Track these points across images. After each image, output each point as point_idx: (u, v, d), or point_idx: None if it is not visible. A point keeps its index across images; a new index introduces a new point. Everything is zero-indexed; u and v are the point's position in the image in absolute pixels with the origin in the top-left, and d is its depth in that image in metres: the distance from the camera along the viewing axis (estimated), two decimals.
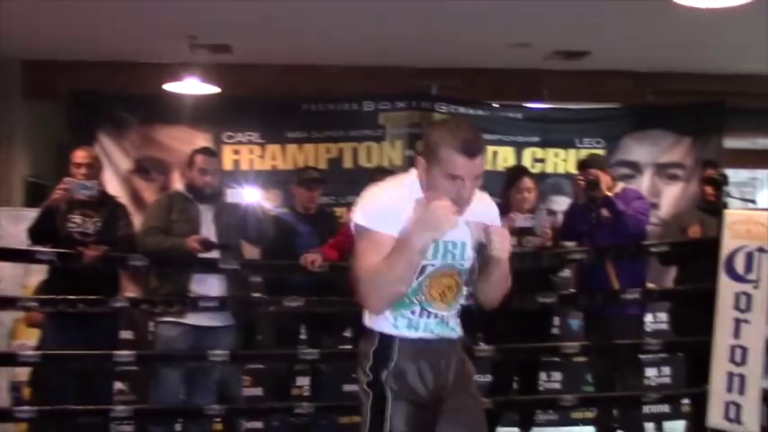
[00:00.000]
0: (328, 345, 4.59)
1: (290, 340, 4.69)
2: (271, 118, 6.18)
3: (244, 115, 6.17)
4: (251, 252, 4.71)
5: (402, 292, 2.16)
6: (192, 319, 4.21)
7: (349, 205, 5.95)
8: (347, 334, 4.71)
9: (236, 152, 6.21)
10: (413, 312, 2.25)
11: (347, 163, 6.20)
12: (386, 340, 2.25)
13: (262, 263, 4.65)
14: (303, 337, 4.78)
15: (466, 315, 4.76)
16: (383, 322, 2.26)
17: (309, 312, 4.41)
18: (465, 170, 2.12)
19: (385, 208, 2.18)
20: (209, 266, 4.22)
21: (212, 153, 4.59)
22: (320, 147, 6.21)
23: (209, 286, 4.22)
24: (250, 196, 4.63)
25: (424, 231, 2.07)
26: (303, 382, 5.01)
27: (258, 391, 5.28)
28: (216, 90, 5.95)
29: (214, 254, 4.22)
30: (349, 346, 4.52)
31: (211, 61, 5.85)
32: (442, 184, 2.14)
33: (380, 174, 4.70)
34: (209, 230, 4.26)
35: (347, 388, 4.97)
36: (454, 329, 2.34)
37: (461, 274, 2.30)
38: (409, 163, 5.61)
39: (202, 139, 5.98)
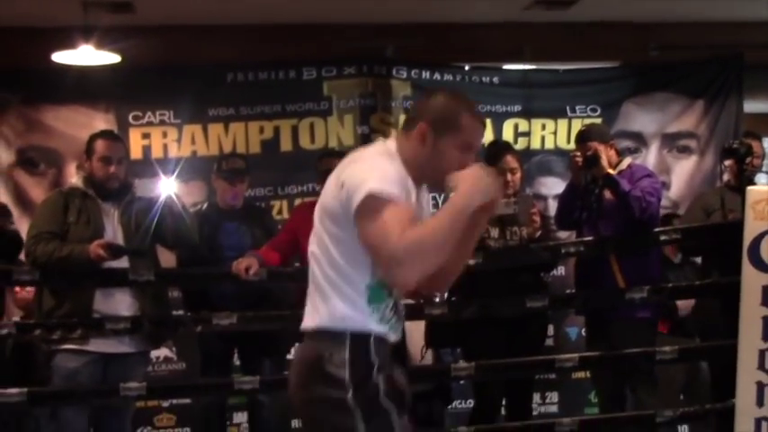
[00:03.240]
0: (269, 371, 4.57)
1: (222, 367, 4.68)
2: (188, 92, 6.11)
3: (154, 90, 6.11)
4: (168, 259, 4.69)
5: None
6: (98, 345, 4.19)
7: (288, 197, 5.95)
8: (291, 356, 4.70)
9: (146, 136, 6.14)
10: (386, 307, 2.38)
11: (285, 145, 6.17)
12: (359, 340, 2.33)
13: (182, 272, 4.64)
14: (237, 362, 4.77)
15: (438, 326, 4.76)
16: (357, 318, 2.33)
17: (244, 331, 4.39)
18: (480, 141, 2.49)
19: (401, 179, 2.31)
20: (118, 279, 4.20)
21: (116, 138, 4.59)
22: (251, 126, 6.16)
23: (118, 303, 4.22)
24: (165, 190, 4.62)
25: (480, 195, 2.30)
26: (240, 418, 5.01)
27: None
28: (116, 59, 5.88)
29: (123, 262, 4.20)
30: None
31: (110, 23, 5.77)
32: (453, 156, 2.36)
33: (328, 158, 4.71)
34: (115, 233, 4.25)
35: (296, 424, 4.96)
36: None
37: None
38: (363, 142, 5.60)
39: (103, 122, 5.93)
